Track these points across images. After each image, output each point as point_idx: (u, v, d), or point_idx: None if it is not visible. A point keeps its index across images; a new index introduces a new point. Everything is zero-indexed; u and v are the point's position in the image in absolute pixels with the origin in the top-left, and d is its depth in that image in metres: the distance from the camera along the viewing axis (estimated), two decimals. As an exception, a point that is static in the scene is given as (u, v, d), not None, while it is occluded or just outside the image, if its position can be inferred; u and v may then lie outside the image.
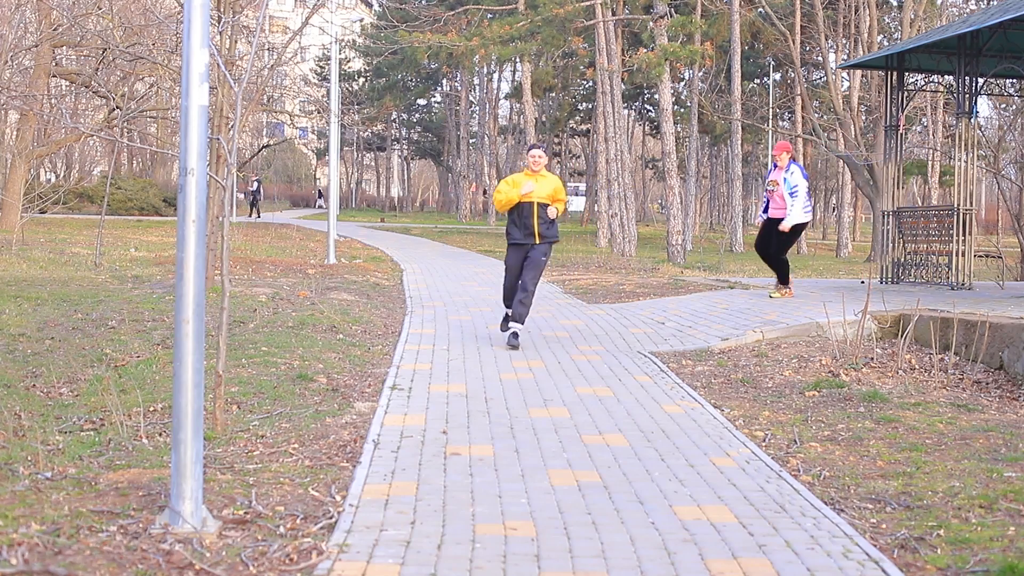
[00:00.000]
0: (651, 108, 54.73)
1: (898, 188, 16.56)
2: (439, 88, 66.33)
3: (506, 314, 10.28)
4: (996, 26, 13.90)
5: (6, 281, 13.57)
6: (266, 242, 25.74)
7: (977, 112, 15.52)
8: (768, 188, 13.12)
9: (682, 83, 46.44)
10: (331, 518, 4.73)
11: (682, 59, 29.02)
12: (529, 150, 10.32)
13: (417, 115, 73.01)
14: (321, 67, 61.02)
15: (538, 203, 9.97)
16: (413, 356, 9.36)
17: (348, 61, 62.25)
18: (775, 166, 13.14)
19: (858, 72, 35.22)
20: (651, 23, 30.19)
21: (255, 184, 36.98)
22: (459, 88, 58.73)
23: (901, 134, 16.61)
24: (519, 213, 10.01)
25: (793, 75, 41.32)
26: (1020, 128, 32.86)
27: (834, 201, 58.46)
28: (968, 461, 5.99)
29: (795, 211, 12.70)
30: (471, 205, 61.16)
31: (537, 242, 9.96)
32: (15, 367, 7.86)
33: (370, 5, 51.11)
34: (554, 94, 51.12)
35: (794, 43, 35.04)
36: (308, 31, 15.72)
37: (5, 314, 10.56)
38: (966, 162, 14.92)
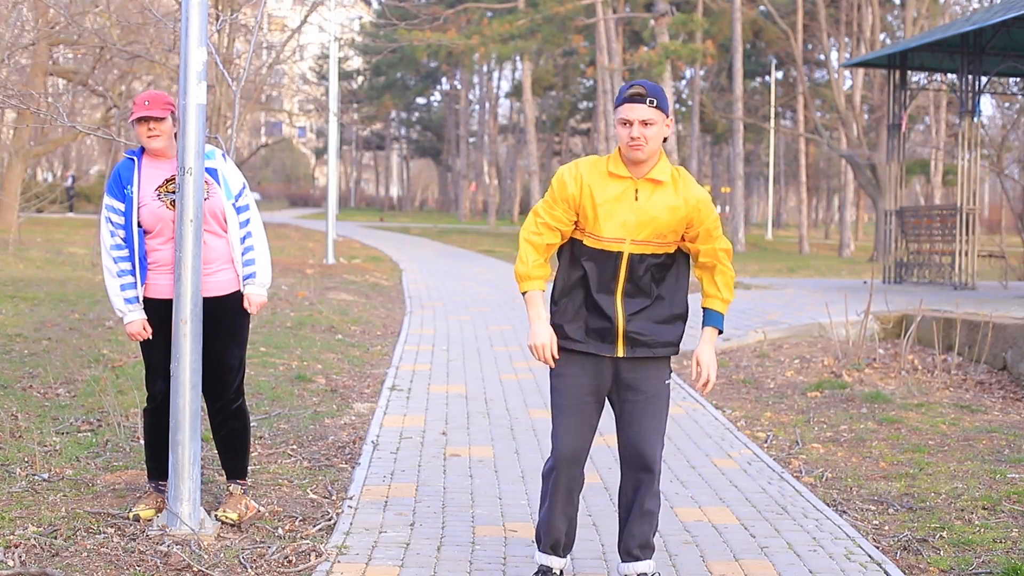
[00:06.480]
0: (651, 107, 54.54)
1: (901, 187, 16.54)
2: (439, 87, 66.22)
3: None
4: (999, 24, 13.86)
5: (3, 281, 13.53)
6: (265, 241, 25.66)
7: (980, 111, 15.50)
8: None
9: (683, 82, 46.40)
10: (330, 520, 4.70)
11: (683, 57, 29.01)
12: (625, 101, 3.83)
13: (416, 114, 72.90)
14: (320, 65, 60.89)
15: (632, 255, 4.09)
16: (412, 357, 9.33)
17: (347, 59, 62.14)
18: None
19: (860, 70, 35.17)
20: (652, 21, 30.17)
21: (69, 180, 38.16)
22: (459, 87, 58.65)
23: (904, 133, 16.59)
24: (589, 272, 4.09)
25: (795, 73, 41.30)
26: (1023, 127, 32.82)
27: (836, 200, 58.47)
28: (971, 462, 5.95)
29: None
30: (471, 204, 61.11)
31: (622, 354, 4.08)
32: (12, 368, 7.82)
33: (369, 3, 51.00)
34: (554, 93, 51.06)
35: (796, 41, 35.00)
36: (307, 29, 15.71)
37: (2, 314, 10.52)
38: (969, 161, 14.88)
